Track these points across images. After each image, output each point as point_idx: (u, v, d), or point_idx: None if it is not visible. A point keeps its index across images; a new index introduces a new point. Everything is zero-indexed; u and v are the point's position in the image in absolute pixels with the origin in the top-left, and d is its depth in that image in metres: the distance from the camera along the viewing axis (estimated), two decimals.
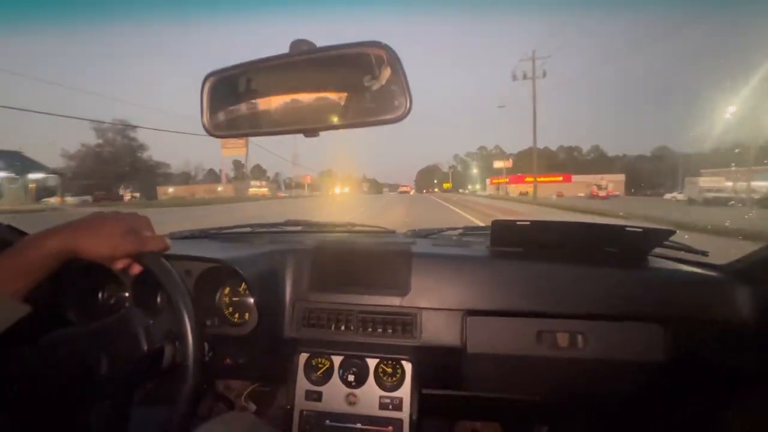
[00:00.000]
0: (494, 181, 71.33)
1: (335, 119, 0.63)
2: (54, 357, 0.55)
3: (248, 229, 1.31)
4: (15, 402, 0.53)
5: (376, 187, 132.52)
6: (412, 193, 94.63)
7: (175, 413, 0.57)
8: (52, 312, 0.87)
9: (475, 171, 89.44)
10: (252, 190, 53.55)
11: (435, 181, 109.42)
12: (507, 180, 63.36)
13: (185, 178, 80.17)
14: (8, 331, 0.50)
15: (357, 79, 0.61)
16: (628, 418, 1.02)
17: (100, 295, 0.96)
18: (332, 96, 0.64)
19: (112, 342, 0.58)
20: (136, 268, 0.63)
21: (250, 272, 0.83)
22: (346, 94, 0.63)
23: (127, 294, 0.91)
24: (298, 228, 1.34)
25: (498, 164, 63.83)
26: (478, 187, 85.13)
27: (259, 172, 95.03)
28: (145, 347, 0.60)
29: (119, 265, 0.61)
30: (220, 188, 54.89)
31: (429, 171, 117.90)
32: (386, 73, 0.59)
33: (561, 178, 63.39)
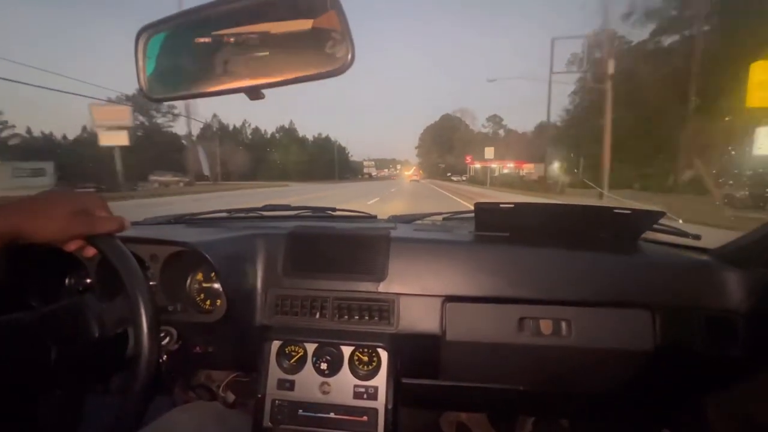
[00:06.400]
0: None
1: (278, 75, 0.56)
2: None
3: (225, 215, 1.28)
4: None
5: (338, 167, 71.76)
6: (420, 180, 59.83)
7: (127, 404, 0.56)
8: (14, 298, 0.83)
9: None
10: None
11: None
12: None
13: None
14: None
15: (296, 27, 0.54)
16: (616, 408, 1.00)
17: (66, 280, 0.94)
18: (273, 48, 0.57)
19: (62, 328, 0.56)
20: (90, 251, 0.60)
21: (218, 257, 0.80)
22: (287, 45, 0.56)
23: (89, 280, 0.89)
24: (276, 212, 1.31)
25: None
26: None
27: None
28: (97, 334, 0.58)
29: (71, 247, 0.58)
30: None
31: (448, 129, 70.90)
32: (326, 18, 0.52)
33: None
